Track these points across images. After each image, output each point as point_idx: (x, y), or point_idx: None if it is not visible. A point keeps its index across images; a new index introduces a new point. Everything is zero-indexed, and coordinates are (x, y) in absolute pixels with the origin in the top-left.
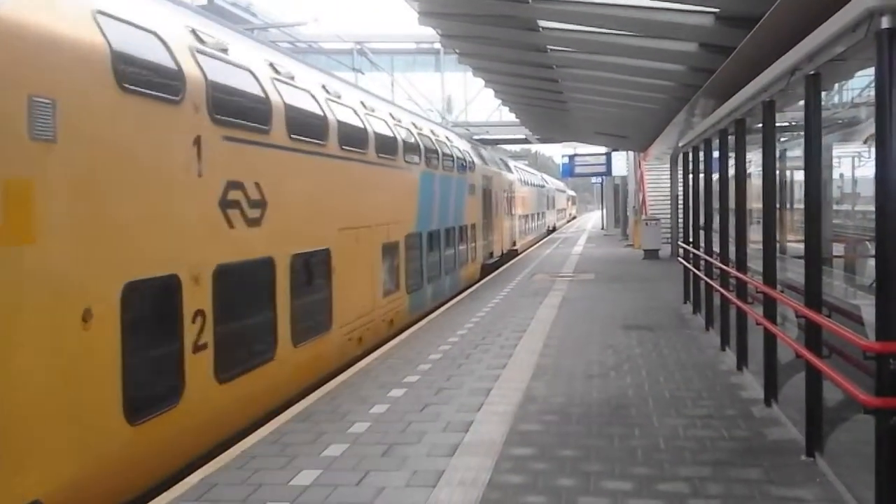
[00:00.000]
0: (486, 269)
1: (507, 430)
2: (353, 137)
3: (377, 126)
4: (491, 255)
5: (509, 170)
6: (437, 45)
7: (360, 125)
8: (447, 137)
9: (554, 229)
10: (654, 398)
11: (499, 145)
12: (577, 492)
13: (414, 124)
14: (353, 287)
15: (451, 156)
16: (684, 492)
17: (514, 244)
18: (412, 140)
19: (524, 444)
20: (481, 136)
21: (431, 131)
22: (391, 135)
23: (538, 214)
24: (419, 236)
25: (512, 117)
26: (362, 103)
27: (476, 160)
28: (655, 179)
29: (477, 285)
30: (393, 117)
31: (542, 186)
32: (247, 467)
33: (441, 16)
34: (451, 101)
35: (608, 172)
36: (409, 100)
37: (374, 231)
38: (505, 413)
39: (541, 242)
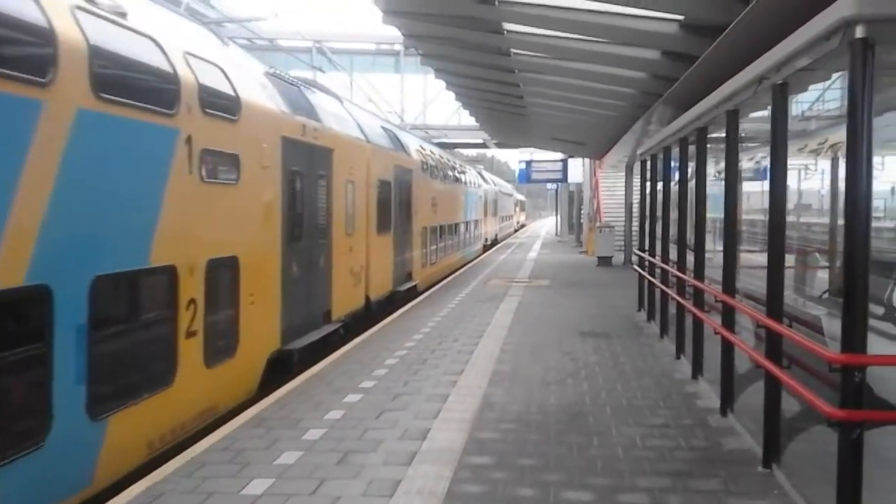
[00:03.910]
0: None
1: (465, 438)
2: None
3: None
4: (305, 325)
5: (401, 147)
6: (398, 47)
7: None
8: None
9: (495, 242)
10: (611, 406)
11: (456, 149)
12: (536, 502)
13: None
14: None
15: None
16: (644, 503)
17: (411, 277)
18: None
19: (482, 453)
20: (440, 140)
21: None
22: None
23: (468, 224)
24: None
25: (471, 121)
26: None
27: (242, 92)
28: (610, 187)
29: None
30: None
31: (478, 185)
32: (196, 475)
33: (405, 15)
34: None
35: (564, 179)
36: (370, 101)
37: None
38: (462, 420)
39: (470, 264)
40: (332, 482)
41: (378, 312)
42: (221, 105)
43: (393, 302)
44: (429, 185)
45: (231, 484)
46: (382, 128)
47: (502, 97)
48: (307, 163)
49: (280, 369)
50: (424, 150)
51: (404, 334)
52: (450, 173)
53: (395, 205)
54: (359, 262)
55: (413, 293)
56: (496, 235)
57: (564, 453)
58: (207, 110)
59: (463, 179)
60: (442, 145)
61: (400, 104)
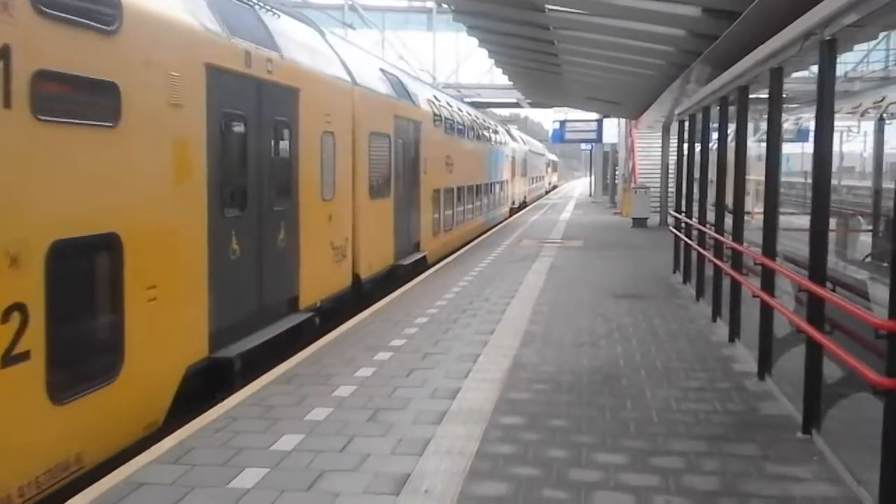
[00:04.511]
0: None
1: (495, 398)
2: None
3: None
4: (254, 320)
5: (406, 95)
6: (430, 4)
7: None
8: None
9: (523, 205)
10: (645, 369)
11: (489, 108)
12: (568, 464)
13: None
14: None
15: None
16: (679, 467)
17: (418, 248)
18: None
19: (513, 413)
20: (473, 99)
21: None
22: None
23: (492, 186)
24: None
25: (504, 80)
26: None
27: None
28: (646, 148)
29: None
30: None
31: (504, 143)
32: (226, 430)
33: None
34: None
35: (599, 139)
36: (401, 59)
37: None
38: (493, 380)
39: (494, 230)
40: (362, 439)
41: (372, 292)
42: (79, 7)
43: (394, 279)
44: (443, 141)
45: (261, 439)
46: (381, 70)
47: (536, 55)
48: (254, 104)
49: (214, 382)
50: (438, 101)
51: (435, 294)
52: (471, 129)
53: (395, 163)
54: (342, 233)
55: (422, 266)
56: (525, 197)
57: (597, 415)
58: (46, 10)
59: (486, 136)
60: (475, 104)
61: (432, 63)
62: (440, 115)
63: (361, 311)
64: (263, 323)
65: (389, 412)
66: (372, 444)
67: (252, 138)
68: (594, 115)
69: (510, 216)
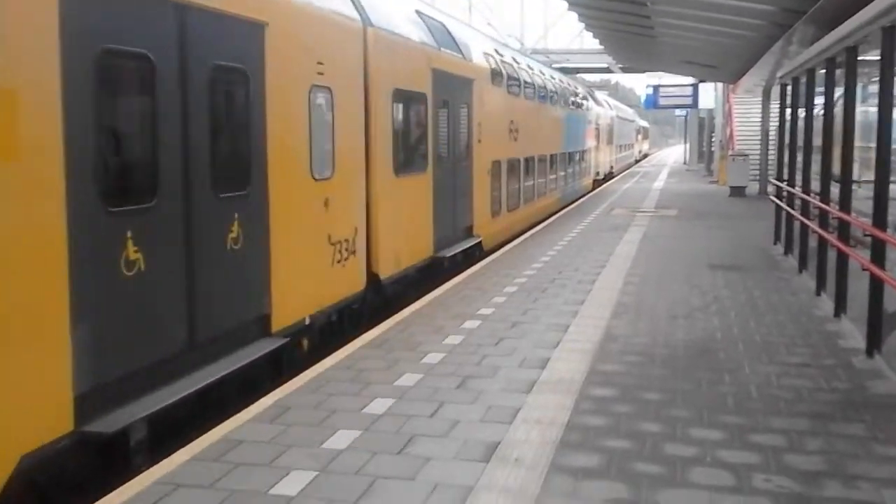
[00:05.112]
0: None
1: (586, 370)
2: None
3: None
4: (175, 365)
5: (453, 44)
6: None
7: None
8: None
9: (609, 176)
10: (744, 342)
11: (579, 74)
12: (662, 438)
13: None
14: None
15: None
16: (780, 445)
17: (470, 232)
18: None
19: (605, 385)
20: (562, 65)
21: None
22: None
23: (571, 156)
24: None
25: (594, 45)
26: None
27: None
28: (745, 113)
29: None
30: None
31: (586, 108)
32: (321, 391)
33: None
34: None
35: (694, 105)
36: (488, 24)
37: None
38: (584, 351)
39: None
40: (451, 406)
41: (400, 294)
42: None
43: (435, 274)
44: (505, 104)
45: (353, 402)
46: (417, 12)
47: (629, 17)
48: (174, 42)
49: (106, 462)
50: (500, 55)
51: (524, 262)
52: (543, 89)
53: (434, 129)
54: (349, 222)
55: (478, 254)
56: (611, 167)
57: (692, 389)
58: None
59: (565, 99)
60: (563, 70)
61: (520, 28)
62: (501, 72)
63: (383, 320)
64: (198, 364)
65: (478, 380)
66: (461, 410)
67: (169, 93)
68: (689, 80)
69: (594, 188)
